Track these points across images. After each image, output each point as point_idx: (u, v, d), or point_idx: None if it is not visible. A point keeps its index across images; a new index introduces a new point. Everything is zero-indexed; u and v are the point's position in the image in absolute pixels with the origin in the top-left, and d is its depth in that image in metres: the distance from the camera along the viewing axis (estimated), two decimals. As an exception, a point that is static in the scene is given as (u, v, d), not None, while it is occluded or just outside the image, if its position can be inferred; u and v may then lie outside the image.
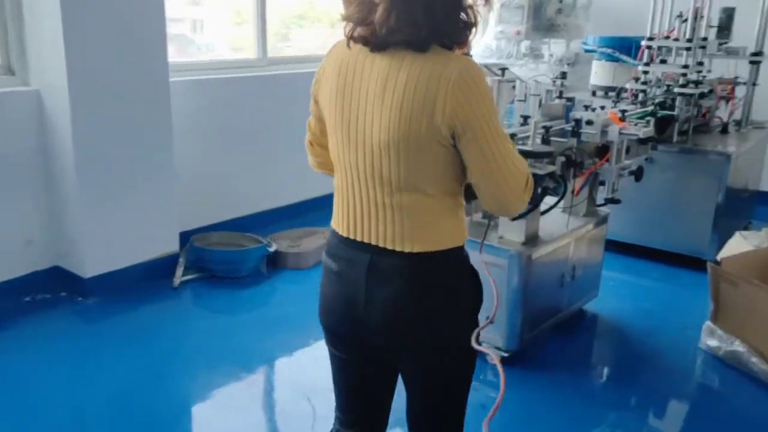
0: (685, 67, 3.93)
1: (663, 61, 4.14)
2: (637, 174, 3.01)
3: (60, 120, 3.25)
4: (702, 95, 4.14)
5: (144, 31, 3.41)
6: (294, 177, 4.60)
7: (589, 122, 2.88)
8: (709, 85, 4.21)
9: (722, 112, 4.53)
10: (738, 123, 4.57)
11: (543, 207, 2.86)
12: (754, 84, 4.47)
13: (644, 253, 4.14)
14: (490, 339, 2.82)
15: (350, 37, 1.38)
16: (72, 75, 3.15)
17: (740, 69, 4.56)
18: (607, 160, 2.95)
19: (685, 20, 3.99)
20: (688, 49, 3.94)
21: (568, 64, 5.28)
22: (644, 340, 3.25)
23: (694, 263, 4.01)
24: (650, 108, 3.70)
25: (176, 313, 3.40)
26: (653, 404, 2.80)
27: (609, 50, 4.51)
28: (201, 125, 4.05)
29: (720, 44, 4.39)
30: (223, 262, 3.69)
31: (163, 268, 3.65)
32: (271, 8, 4.47)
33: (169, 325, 3.27)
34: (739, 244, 3.50)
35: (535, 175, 2.58)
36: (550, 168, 2.62)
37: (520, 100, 3.00)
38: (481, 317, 1.54)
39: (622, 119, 3.03)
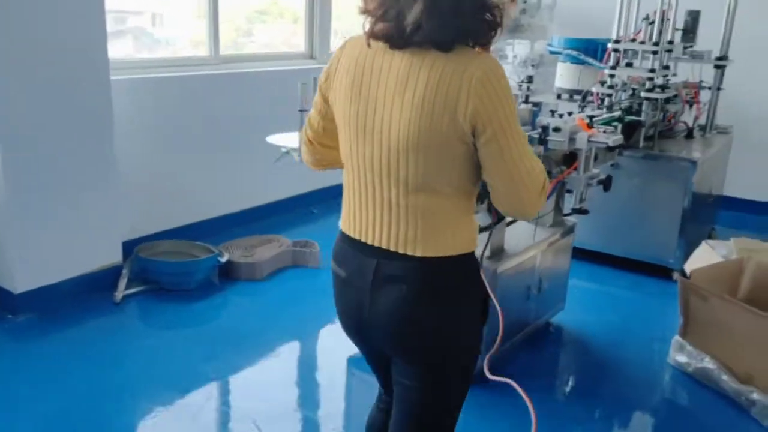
0: (652, 71, 3.84)
1: (629, 65, 4.05)
2: (606, 184, 2.88)
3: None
4: (668, 100, 4.07)
5: (81, 24, 3.15)
6: (248, 181, 4.39)
7: (557, 129, 2.74)
8: (675, 90, 4.14)
9: (687, 117, 4.47)
10: (702, 128, 4.52)
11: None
12: (718, 88, 4.42)
13: (609, 261, 4.06)
14: (454, 358, 2.67)
15: (371, 34, 1.35)
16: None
17: (705, 73, 4.51)
18: (575, 169, 2.83)
19: (652, 23, 3.90)
20: (654, 52, 3.84)
21: (533, 66, 5.16)
22: (612, 356, 3.14)
23: (660, 271, 3.94)
24: (617, 113, 3.60)
25: (117, 330, 3.16)
26: (621, 423, 2.69)
27: (574, 52, 4.41)
28: (147, 127, 3.80)
29: (685, 48, 4.33)
30: (170, 274, 3.45)
31: (104, 281, 3.40)
32: (233, 3, 4.23)
33: (109, 344, 3.03)
34: (706, 253, 3.42)
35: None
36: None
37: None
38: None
39: (590, 126, 2.91)
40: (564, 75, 4.57)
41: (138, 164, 3.72)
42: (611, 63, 3.99)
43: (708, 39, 4.42)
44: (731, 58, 4.37)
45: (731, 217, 5.10)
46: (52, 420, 2.46)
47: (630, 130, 3.74)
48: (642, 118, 3.81)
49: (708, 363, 2.79)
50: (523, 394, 1.33)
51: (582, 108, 3.85)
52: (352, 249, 1.48)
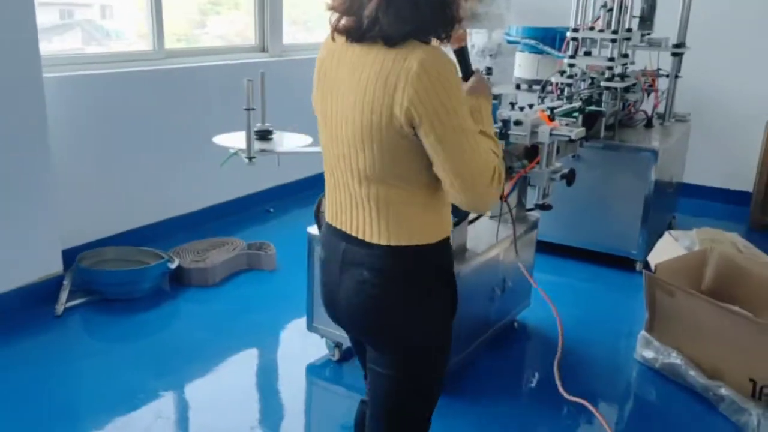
0: (611, 59, 3.77)
1: (588, 53, 3.98)
2: (569, 178, 2.80)
3: None
4: (627, 89, 4.01)
5: (7, 19, 2.91)
6: (199, 181, 4.19)
7: (518, 123, 2.64)
8: (633, 78, 4.09)
9: (646, 106, 4.43)
10: (661, 116, 4.49)
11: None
12: (676, 76, 4.39)
13: (571, 253, 4.00)
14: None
15: (334, 28, 1.38)
16: None
17: (662, 60, 4.47)
18: (538, 163, 2.73)
19: (610, 10, 3.83)
20: (613, 40, 3.78)
21: (491, 56, 5.07)
22: (578, 352, 3.06)
23: (623, 262, 3.90)
24: (577, 104, 3.52)
25: (58, 345, 2.94)
26: (588, 421, 2.61)
27: (532, 41, 4.33)
28: (87, 127, 3.56)
29: (643, 35, 4.28)
30: (115, 284, 3.24)
31: (43, 293, 3.18)
32: None
33: (49, 361, 2.82)
34: (669, 245, 3.38)
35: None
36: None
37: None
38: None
39: (552, 118, 2.82)
40: (522, 65, 4.48)
41: (76, 167, 3.50)
42: (570, 52, 3.91)
43: (665, 26, 4.39)
44: (688, 45, 4.34)
45: (690, 204, 5.11)
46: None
47: (590, 120, 3.67)
48: (602, 108, 3.74)
49: (675, 358, 2.74)
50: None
51: (542, 99, 3.77)
52: (328, 233, 1.53)
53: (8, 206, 3.03)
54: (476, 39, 5.37)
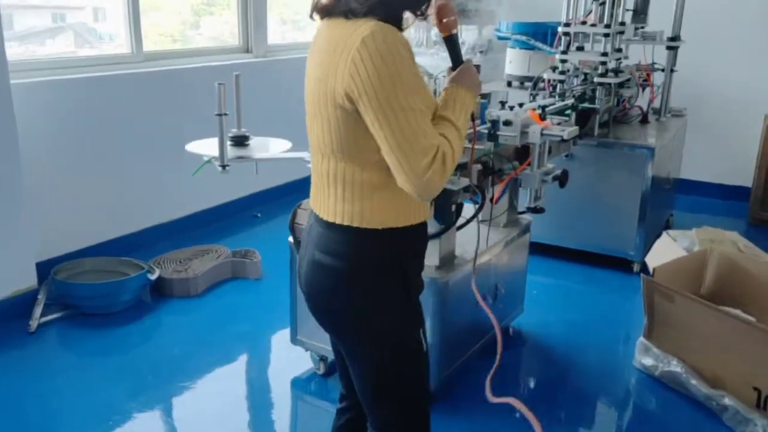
0: (604, 54, 3.65)
1: (580, 48, 3.86)
2: (562, 179, 2.67)
3: None
4: (621, 84, 3.89)
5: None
6: (182, 187, 4.05)
7: (508, 123, 2.51)
8: (628, 73, 3.97)
9: (641, 101, 4.31)
10: (657, 111, 4.37)
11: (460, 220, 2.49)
12: (672, 70, 4.27)
13: (566, 255, 3.88)
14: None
15: (313, 8, 1.41)
16: None
17: (657, 54, 4.35)
18: (529, 164, 2.61)
19: (602, 3, 3.71)
20: (606, 35, 3.65)
21: (481, 52, 4.96)
22: (575, 359, 2.95)
23: (620, 263, 3.78)
24: (570, 101, 3.40)
25: (31, 363, 2.82)
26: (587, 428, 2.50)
27: (523, 37, 4.22)
28: (61, 133, 3.43)
29: (636, 29, 4.16)
30: (92, 297, 3.11)
31: (16, 309, 3.06)
32: None
33: (21, 380, 2.68)
34: (667, 245, 3.27)
35: (447, 191, 2.23)
36: (464, 182, 2.23)
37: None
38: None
39: (543, 117, 2.69)
40: (514, 61, 4.37)
41: (50, 176, 3.37)
42: (562, 47, 3.79)
43: (659, 19, 4.27)
44: (683, 38, 4.22)
45: (688, 200, 5.00)
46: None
47: (584, 117, 3.55)
48: (596, 105, 3.61)
49: (676, 366, 2.62)
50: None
51: (533, 96, 3.65)
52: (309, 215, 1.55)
53: (-22, 219, 2.91)
54: (467, 36, 5.25)
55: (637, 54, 4.36)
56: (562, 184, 2.68)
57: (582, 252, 3.86)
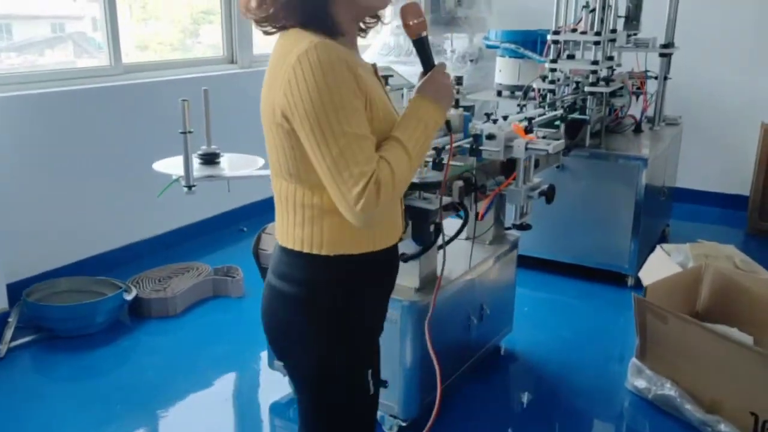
0: (595, 62, 3.55)
1: (570, 57, 3.76)
2: (549, 195, 2.56)
3: None
4: (613, 93, 3.79)
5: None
6: (162, 203, 3.91)
7: (491, 137, 2.41)
8: (620, 81, 3.86)
9: (634, 110, 4.21)
10: (650, 120, 4.27)
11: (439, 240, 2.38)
12: (665, 78, 4.17)
13: (558, 269, 3.77)
14: (385, 407, 2.33)
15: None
16: None
17: (650, 62, 4.25)
18: (514, 179, 2.50)
19: (593, 10, 3.61)
20: (597, 42, 3.55)
21: (472, 61, 4.86)
22: (566, 380, 2.83)
23: (613, 277, 3.67)
24: (560, 112, 3.30)
25: (0, 388, 2.71)
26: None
27: (513, 46, 4.11)
28: (33, 150, 3.32)
29: (629, 36, 4.06)
30: (65, 319, 3.00)
31: (-14, 332, 2.95)
32: (179, 3, 3.83)
33: (-13, 410, 2.58)
34: (661, 261, 3.16)
35: (426, 211, 2.13)
36: (446, 200, 2.12)
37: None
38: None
39: (529, 130, 2.59)
40: (503, 70, 4.27)
41: (20, 193, 3.26)
42: (552, 56, 3.69)
43: (652, 25, 4.17)
44: (677, 44, 4.12)
45: (685, 209, 4.89)
46: None
47: (574, 128, 3.45)
48: (586, 116, 3.51)
49: (669, 389, 2.51)
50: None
51: (522, 106, 3.54)
52: None
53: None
54: (457, 44, 5.16)
55: (630, 61, 4.27)
56: (549, 200, 2.57)
57: (575, 266, 3.75)
